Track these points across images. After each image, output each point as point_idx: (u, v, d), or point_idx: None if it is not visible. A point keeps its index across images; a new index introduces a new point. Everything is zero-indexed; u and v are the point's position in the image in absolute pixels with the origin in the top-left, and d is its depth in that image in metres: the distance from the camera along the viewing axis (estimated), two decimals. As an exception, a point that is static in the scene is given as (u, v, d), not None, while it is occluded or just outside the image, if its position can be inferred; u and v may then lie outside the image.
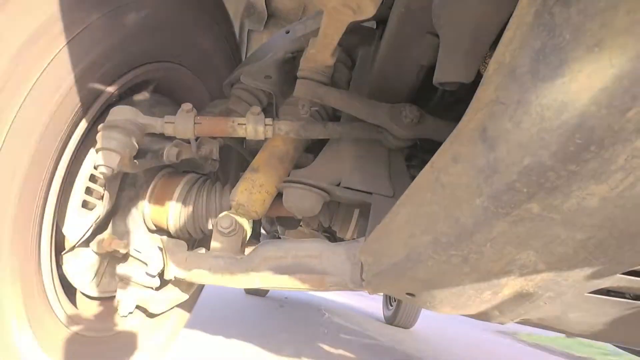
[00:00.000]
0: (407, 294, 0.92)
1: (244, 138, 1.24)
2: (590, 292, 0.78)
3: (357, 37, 1.42)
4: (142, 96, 1.32)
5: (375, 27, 1.51)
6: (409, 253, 0.78)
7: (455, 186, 0.65)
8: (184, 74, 1.46)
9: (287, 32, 1.53)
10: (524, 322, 0.98)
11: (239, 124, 1.19)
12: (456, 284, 0.78)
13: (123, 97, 1.25)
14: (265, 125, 1.19)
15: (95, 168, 1.13)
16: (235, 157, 1.93)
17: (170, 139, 1.25)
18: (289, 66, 1.55)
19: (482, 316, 0.92)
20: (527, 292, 0.75)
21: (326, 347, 3.51)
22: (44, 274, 1.10)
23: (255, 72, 1.48)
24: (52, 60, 0.95)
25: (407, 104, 1.18)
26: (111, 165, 1.10)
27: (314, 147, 1.53)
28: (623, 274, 0.68)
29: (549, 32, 0.48)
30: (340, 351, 3.50)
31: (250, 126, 1.18)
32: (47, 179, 1.04)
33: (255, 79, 1.48)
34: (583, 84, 0.44)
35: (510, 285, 0.74)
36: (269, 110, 1.49)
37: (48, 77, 0.96)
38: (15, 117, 0.91)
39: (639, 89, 0.41)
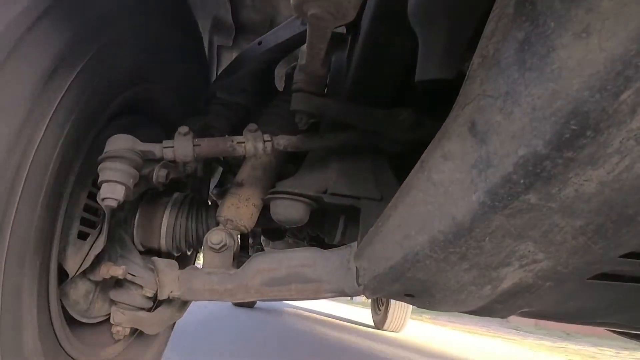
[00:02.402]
0: (406, 295, 0.92)
1: None
2: (589, 279, 0.78)
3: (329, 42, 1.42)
4: (126, 120, 1.30)
5: (345, 32, 1.51)
6: (405, 254, 0.77)
7: (448, 184, 0.65)
8: (160, 92, 1.44)
9: (260, 44, 1.53)
10: (525, 314, 0.98)
11: (238, 142, 1.18)
12: (456, 281, 0.77)
13: (110, 122, 1.23)
14: (265, 141, 1.18)
15: (99, 200, 1.11)
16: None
17: (157, 160, 1.23)
18: (264, 77, 1.55)
19: (483, 311, 0.91)
20: (527, 284, 0.75)
21: (315, 354, 3.50)
22: (52, 311, 1.08)
23: (230, 86, 1.48)
24: (60, 100, 0.95)
25: (403, 108, 1.18)
26: (117, 197, 1.08)
27: (294, 157, 1.52)
28: (620, 256, 0.68)
29: (532, 21, 0.48)
30: (331, 358, 3.49)
31: (249, 144, 1.17)
32: (53, 215, 1.02)
33: (231, 92, 1.48)
34: (574, 71, 0.44)
35: (510, 278, 0.74)
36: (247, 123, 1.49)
37: (58, 116, 0.95)
38: (30, 165, 0.90)
39: (631, 71, 0.41)
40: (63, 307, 1.18)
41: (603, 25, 0.41)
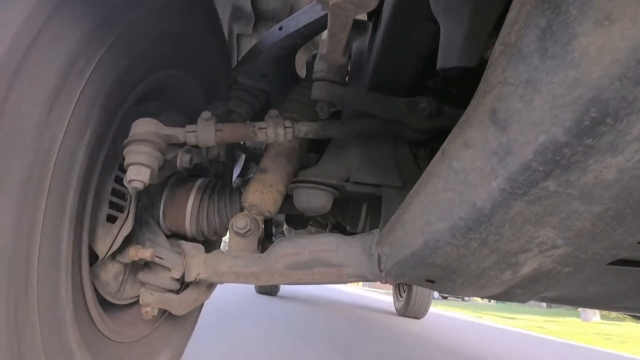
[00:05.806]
0: (427, 280, 0.93)
1: None
2: (607, 264, 0.78)
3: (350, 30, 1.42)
4: (150, 105, 1.32)
5: (367, 19, 1.51)
6: (426, 241, 0.78)
7: (469, 171, 0.65)
8: (182, 78, 1.46)
9: (280, 29, 1.53)
10: (544, 299, 0.99)
11: (259, 128, 1.19)
12: (476, 267, 0.78)
13: (134, 107, 1.25)
14: (285, 127, 1.19)
15: (124, 183, 1.13)
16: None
17: (180, 145, 1.25)
18: (284, 63, 1.56)
19: (502, 296, 0.92)
20: (547, 269, 0.75)
21: (340, 340, 3.52)
22: (85, 292, 1.11)
23: (251, 71, 1.49)
24: (85, 85, 0.96)
25: (424, 96, 1.18)
26: (143, 180, 1.10)
27: (316, 146, 1.53)
28: (639, 242, 0.68)
29: (554, 9, 0.48)
30: (354, 343, 3.51)
31: (270, 130, 1.19)
32: (83, 198, 1.05)
33: (252, 78, 1.49)
34: (594, 58, 0.44)
35: (530, 264, 0.75)
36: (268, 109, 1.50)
37: (83, 103, 0.96)
38: (59, 150, 0.92)
39: (652, 59, 0.41)
40: (95, 289, 1.21)
41: (625, 14, 0.42)
